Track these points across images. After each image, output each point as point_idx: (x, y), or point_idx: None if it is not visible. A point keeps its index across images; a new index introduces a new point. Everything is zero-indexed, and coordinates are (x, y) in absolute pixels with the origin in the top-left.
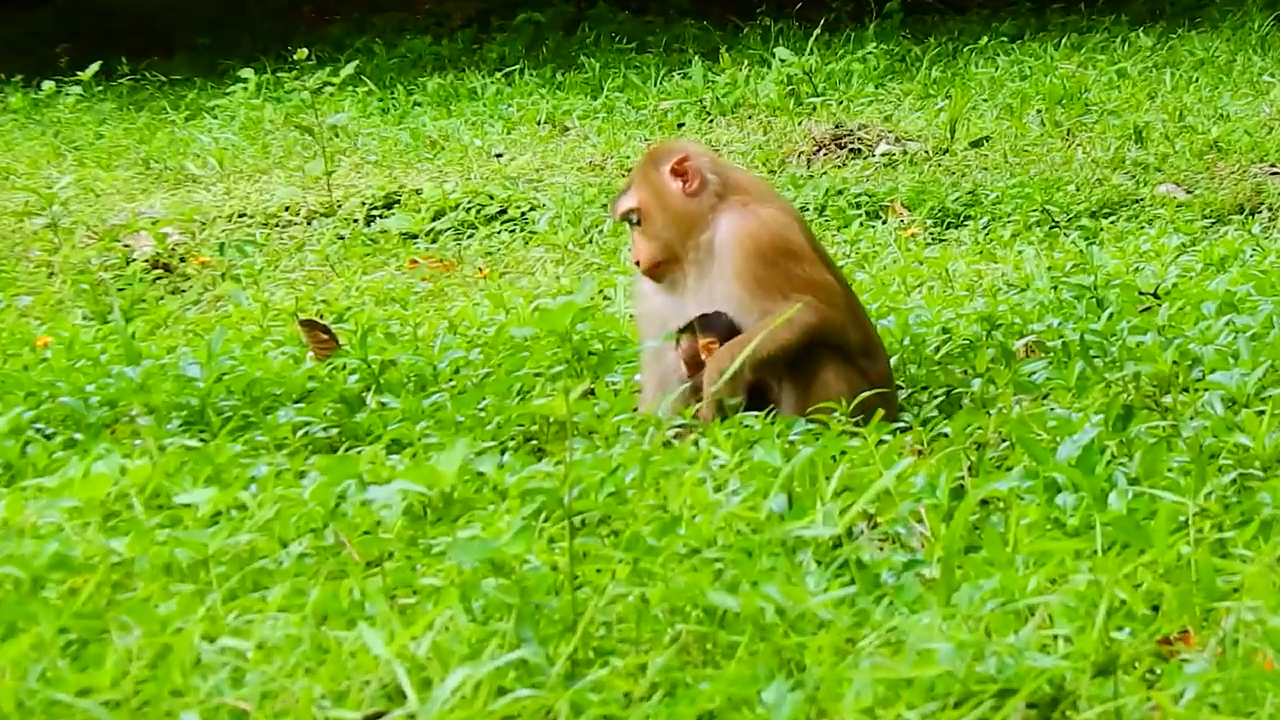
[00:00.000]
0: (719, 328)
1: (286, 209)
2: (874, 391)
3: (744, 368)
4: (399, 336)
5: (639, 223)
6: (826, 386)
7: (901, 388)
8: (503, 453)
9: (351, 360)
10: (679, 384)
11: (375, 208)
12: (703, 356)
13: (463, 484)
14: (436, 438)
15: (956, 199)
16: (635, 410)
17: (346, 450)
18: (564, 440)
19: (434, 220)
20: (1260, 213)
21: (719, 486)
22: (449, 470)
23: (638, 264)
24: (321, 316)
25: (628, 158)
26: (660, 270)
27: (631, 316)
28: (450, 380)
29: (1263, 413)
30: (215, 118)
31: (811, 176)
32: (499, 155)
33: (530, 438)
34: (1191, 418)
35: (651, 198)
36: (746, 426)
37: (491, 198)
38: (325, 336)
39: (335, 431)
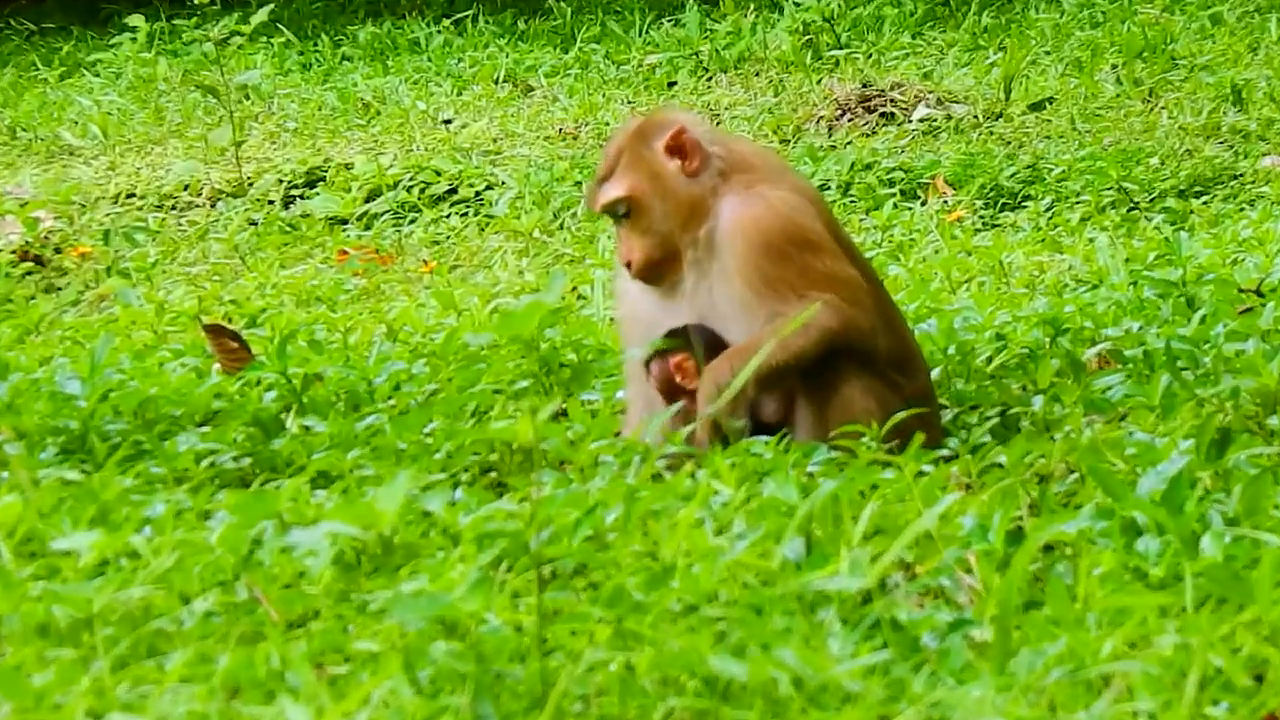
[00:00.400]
0: (699, 341)
1: (186, 188)
2: (910, 412)
3: (748, 382)
4: (326, 345)
5: (628, 214)
6: (851, 405)
7: (945, 407)
8: (454, 487)
9: (267, 374)
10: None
11: (295, 186)
12: (678, 379)
13: (405, 526)
14: (373, 469)
15: (1013, 175)
16: (618, 435)
17: (262, 484)
18: (530, 472)
19: (368, 202)
20: None
21: (721, 529)
22: (388, 509)
23: (629, 265)
24: (230, 320)
25: (606, 124)
26: (659, 270)
27: (613, 320)
28: (389, 399)
29: None
30: (97, 75)
31: (834, 147)
32: (447, 122)
33: (488, 469)
34: None
35: (646, 182)
36: (755, 455)
37: (438, 174)
38: (235, 345)
39: (248, 461)
